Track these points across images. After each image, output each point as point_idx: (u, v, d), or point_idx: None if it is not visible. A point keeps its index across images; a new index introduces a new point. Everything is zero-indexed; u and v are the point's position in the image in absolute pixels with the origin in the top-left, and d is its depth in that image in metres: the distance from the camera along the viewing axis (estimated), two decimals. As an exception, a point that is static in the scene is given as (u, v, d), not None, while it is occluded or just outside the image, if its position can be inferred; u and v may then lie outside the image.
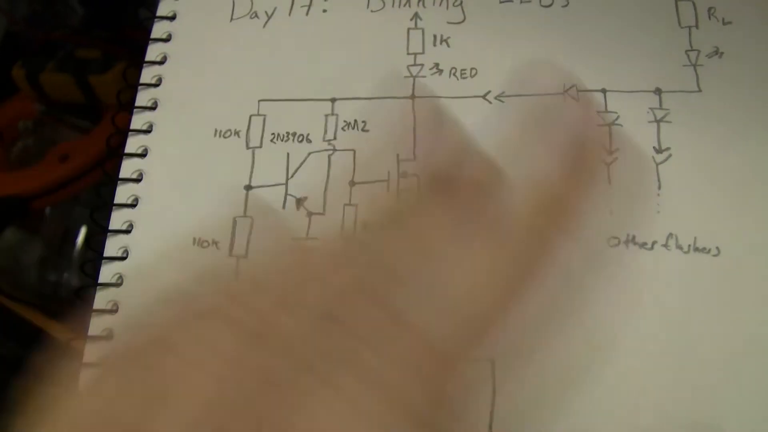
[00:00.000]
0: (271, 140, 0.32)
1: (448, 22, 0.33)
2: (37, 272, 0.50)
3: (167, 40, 0.35)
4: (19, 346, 0.47)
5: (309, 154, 0.32)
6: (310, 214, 0.31)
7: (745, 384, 0.26)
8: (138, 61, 0.35)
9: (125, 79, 0.35)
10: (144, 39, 0.36)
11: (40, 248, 0.51)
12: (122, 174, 0.33)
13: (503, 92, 0.31)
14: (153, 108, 0.34)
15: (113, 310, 0.31)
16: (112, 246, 0.32)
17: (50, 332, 0.47)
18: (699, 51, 0.30)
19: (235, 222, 0.31)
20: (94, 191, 0.51)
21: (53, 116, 0.55)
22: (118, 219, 0.32)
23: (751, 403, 0.25)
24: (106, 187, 0.34)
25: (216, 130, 0.33)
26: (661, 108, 0.29)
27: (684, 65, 0.30)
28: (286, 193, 0.31)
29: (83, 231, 0.50)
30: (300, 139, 0.32)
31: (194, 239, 0.31)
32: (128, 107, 0.34)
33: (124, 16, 0.55)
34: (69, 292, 0.49)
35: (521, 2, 0.32)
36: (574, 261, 0.28)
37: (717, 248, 0.27)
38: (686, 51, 0.30)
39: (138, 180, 0.33)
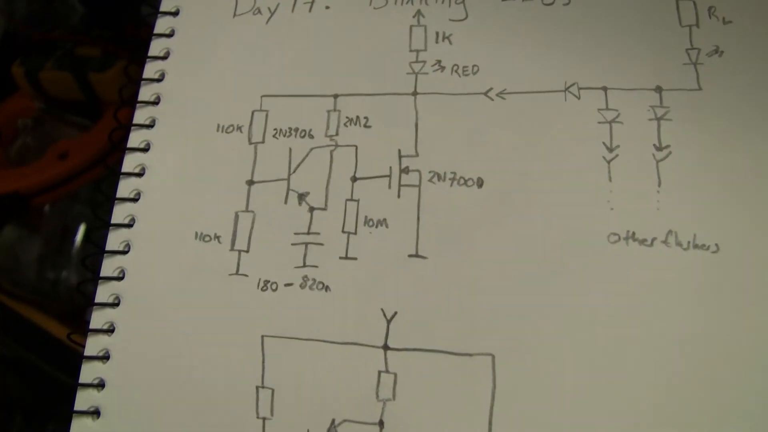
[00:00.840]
0: (274, 135, 0.33)
1: (450, 20, 0.33)
2: (36, 269, 0.50)
3: (170, 35, 0.35)
4: (16, 343, 0.47)
5: (311, 149, 0.32)
6: (312, 209, 0.31)
7: (745, 381, 0.26)
8: (138, 59, 0.35)
9: (127, 75, 0.35)
10: (145, 36, 0.36)
11: (38, 246, 0.51)
12: (125, 168, 0.33)
13: (505, 89, 0.31)
14: (156, 103, 0.34)
15: (115, 304, 0.31)
16: (114, 240, 0.32)
17: (48, 329, 0.47)
18: (699, 50, 0.30)
19: (237, 216, 0.31)
20: (94, 188, 0.51)
21: (53, 114, 0.55)
22: (120, 213, 0.32)
23: (751, 400, 0.25)
24: (107, 181, 0.34)
25: (218, 125, 0.33)
26: (661, 106, 0.29)
27: (684, 64, 0.30)
28: (288, 188, 0.32)
29: (82, 228, 0.50)
30: (302, 134, 0.32)
31: (196, 233, 0.32)
32: (130, 103, 0.34)
33: (125, 14, 0.55)
34: (67, 289, 0.49)
35: (523, 0, 0.33)
36: (575, 257, 0.28)
37: (716, 245, 0.27)
38: (687, 50, 0.30)
39: (140, 174, 0.33)
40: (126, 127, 0.34)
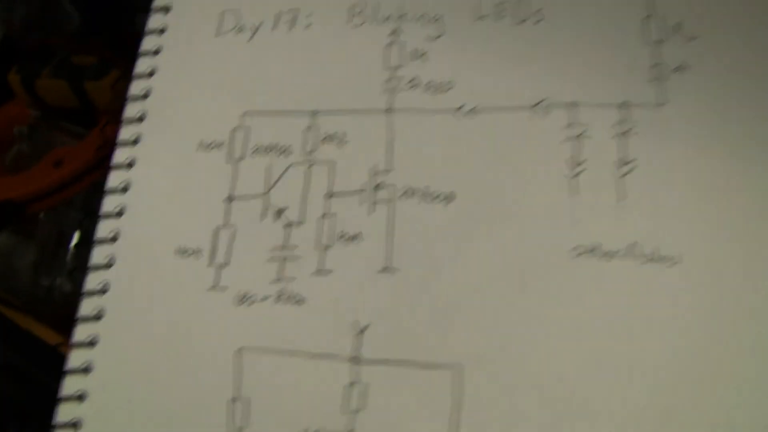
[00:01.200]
0: (253, 152, 0.33)
1: (427, 37, 0.34)
2: (31, 276, 0.51)
3: (156, 53, 0.36)
4: (10, 350, 0.47)
5: (289, 165, 0.33)
6: (289, 224, 0.32)
7: (712, 390, 0.26)
8: (133, 69, 0.36)
9: (116, 91, 0.36)
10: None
11: (33, 252, 0.51)
12: (110, 184, 0.34)
13: (476, 106, 0.32)
14: (140, 120, 0.35)
15: (99, 317, 0.32)
16: (99, 254, 0.33)
17: (42, 336, 0.47)
18: (665, 66, 0.31)
19: (216, 231, 0.32)
20: (88, 196, 0.52)
21: (48, 122, 0.56)
22: (105, 228, 0.33)
23: (717, 409, 0.26)
24: (96, 195, 0.35)
25: (201, 142, 0.34)
26: (627, 121, 0.30)
27: (650, 80, 0.31)
28: (267, 204, 0.32)
29: (77, 236, 0.51)
30: (281, 150, 0.33)
31: (177, 248, 0.32)
32: (119, 119, 0.35)
33: (122, 22, 0.55)
34: (62, 296, 0.50)
35: (496, 20, 0.33)
36: (542, 269, 0.29)
37: (678, 256, 0.28)
38: (652, 66, 0.31)
39: (125, 190, 0.34)
40: (114, 143, 0.35)
